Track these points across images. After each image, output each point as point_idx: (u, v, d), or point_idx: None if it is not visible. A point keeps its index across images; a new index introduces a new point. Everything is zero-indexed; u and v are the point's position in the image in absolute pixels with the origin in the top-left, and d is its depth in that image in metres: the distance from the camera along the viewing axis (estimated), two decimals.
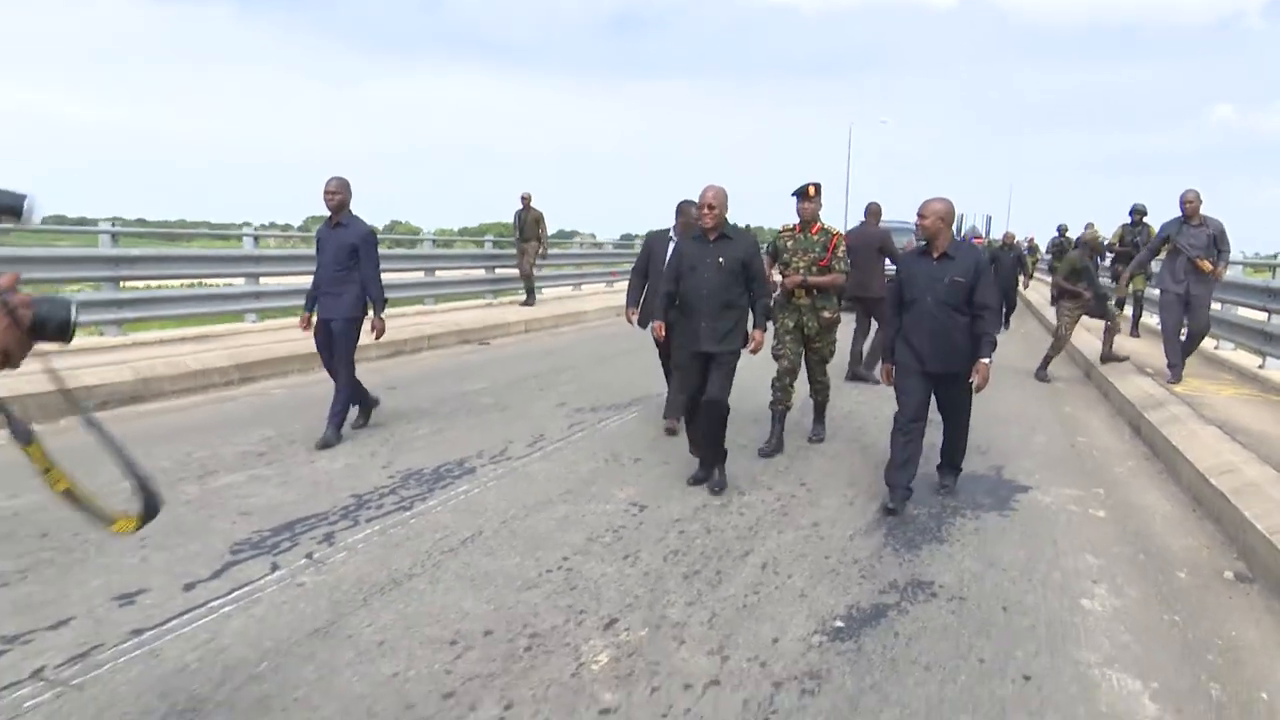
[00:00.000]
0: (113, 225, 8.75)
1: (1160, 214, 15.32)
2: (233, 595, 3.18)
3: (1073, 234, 19.55)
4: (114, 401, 6.26)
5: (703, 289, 4.58)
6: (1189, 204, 7.59)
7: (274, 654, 2.74)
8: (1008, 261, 12.40)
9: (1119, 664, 2.95)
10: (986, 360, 4.38)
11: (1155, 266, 10.80)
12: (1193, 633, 3.24)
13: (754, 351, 4.72)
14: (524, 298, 13.92)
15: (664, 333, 4.85)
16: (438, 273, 13.91)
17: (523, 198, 13.37)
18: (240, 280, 10.44)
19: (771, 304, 5.19)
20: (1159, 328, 8.37)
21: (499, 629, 2.99)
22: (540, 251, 13.50)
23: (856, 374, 8.33)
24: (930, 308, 4.39)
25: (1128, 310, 12.01)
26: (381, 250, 12.86)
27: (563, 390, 7.59)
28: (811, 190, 5.56)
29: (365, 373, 6.11)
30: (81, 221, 11.47)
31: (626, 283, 6.27)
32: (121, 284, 8.74)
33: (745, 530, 4.14)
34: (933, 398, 4.61)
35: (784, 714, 2.53)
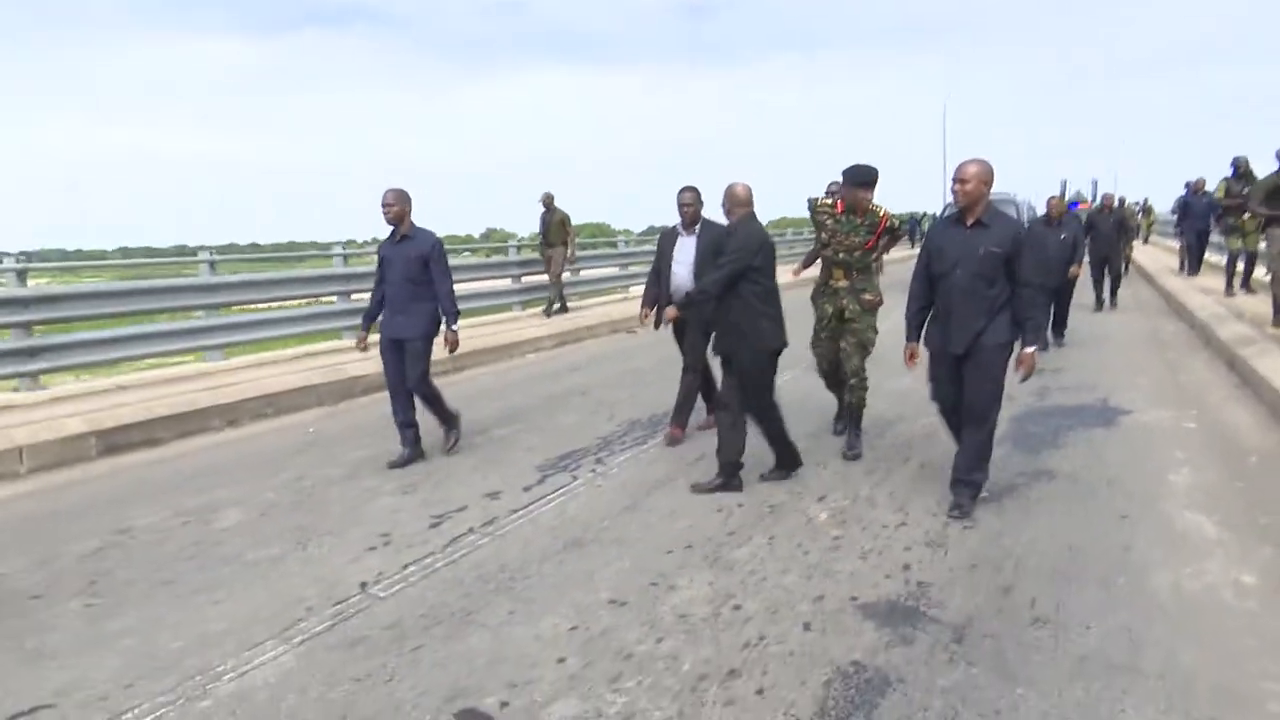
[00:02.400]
0: (211, 254, 9.08)
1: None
2: (558, 491, 4.70)
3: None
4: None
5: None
6: None
7: (607, 518, 4.24)
8: (1107, 227, 11.59)
9: (1192, 509, 4.16)
10: (1031, 350, 3.94)
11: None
12: (1254, 493, 4.39)
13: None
14: (543, 307, 12.70)
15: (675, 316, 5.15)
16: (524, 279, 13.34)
17: (544, 199, 12.47)
18: (334, 299, 10.48)
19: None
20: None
21: (749, 502, 4.41)
22: (569, 256, 12.64)
23: None
24: (961, 280, 3.96)
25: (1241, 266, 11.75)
26: (477, 260, 12.37)
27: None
28: (867, 181, 5.05)
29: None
30: (190, 251, 11.94)
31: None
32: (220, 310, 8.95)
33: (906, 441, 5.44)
34: None
35: (949, 543, 3.86)
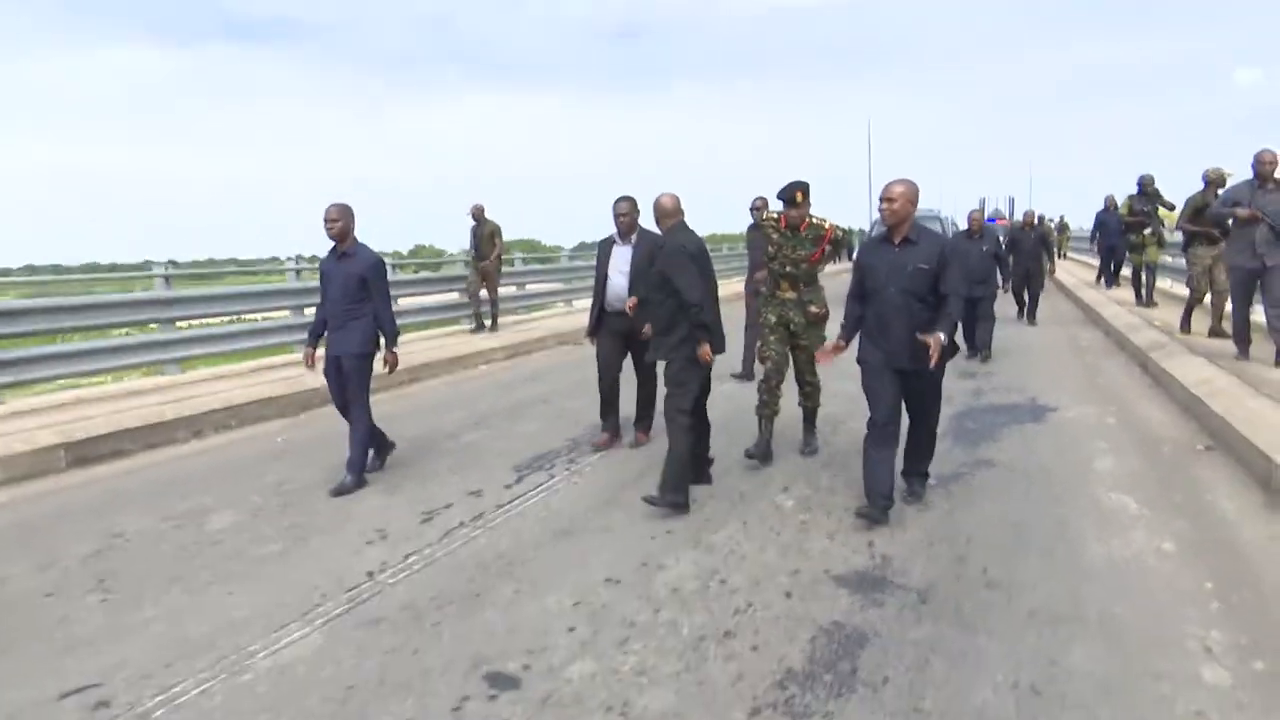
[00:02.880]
0: (165, 269, 9.06)
1: (1171, 184, 16.12)
2: (538, 488, 4.96)
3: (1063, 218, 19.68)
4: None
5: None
6: (1266, 165, 6.79)
7: (590, 510, 4.52)
8: (1029, 243, 11.71)
9: (1116, 490, 4.63)
10: (941, 334, 3.94)
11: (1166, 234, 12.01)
12: (1169, 477, 4.90)
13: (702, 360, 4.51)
14: (473, 325, 12.49)
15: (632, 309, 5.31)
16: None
17: (474, 211, 12.08)
18: (286, 313, 10.62)
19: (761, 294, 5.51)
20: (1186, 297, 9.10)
21: (719, 494, 4.74)
22: (496, 268, 12.25)
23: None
24: (894, 298, 4.06)
25: (1144, 278, 12.50)
26: (408, 276, 12.60)
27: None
28: (799, 196, 5.18)
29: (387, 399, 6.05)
30: (136, 266, 11.96)
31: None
32: (176, 324, 8.98)
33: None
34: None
35: (907, 523, 4.25)
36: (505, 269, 13.72)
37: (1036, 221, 12.79)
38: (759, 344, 5.56)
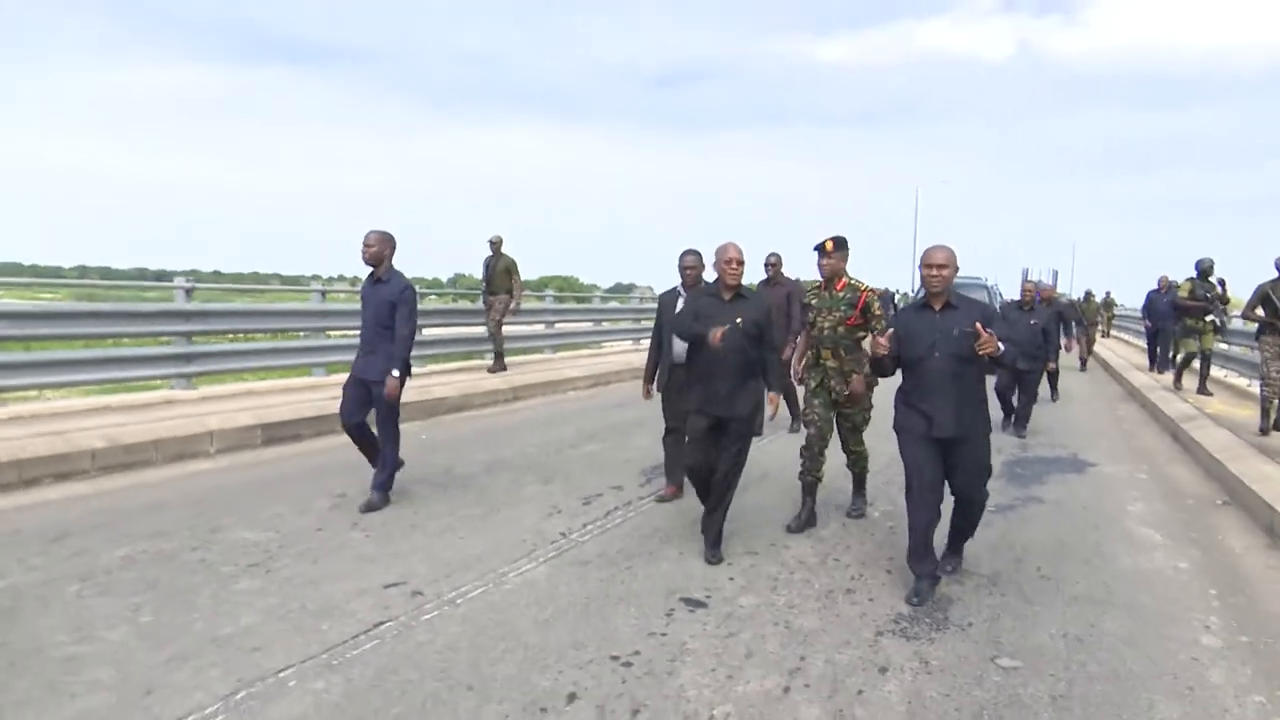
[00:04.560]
0: (187, 280, 9.08)
1: (1227, 265, 16.39)
2: (608, 513, 6.04)
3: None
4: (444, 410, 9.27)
5: (720, 350, 4.35)
6: None
7: (660, 535, 5.65)
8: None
9: (1144, 526, 5.67)
10: (1001, 346, 3.86)
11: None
12: (1190, 520, 5.91)
13: (772, 416, 4.67)
14: (492, 362, 11.99)
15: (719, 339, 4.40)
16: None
17: (492, 242, 11.64)
18: (301, 334, 10.73)
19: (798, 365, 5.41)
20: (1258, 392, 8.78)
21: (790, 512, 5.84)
22: (513, 306, 11.70)
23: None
24: (939, 364, 4.01)
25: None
26: (445, 304, 12.46)
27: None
28: (830, 245, 5.09)
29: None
30: (159, 275, 12.48)
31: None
32: (192, 339, 8.96)
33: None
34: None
35: (980, 546, 5.31)
36: (529, 305, 13.62)
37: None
38: (803, 408, 5.43)
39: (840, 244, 5.13)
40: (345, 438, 5.60)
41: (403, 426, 5.58)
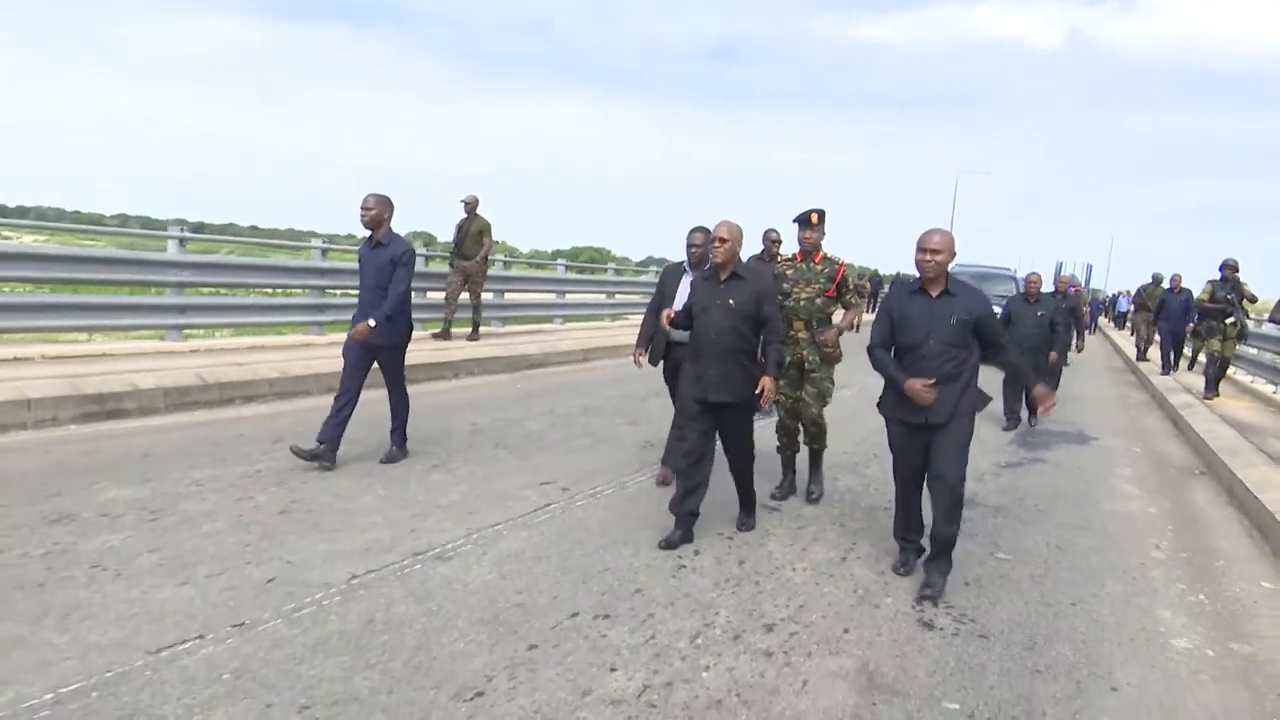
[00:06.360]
0: (181, 230, 8.87)
1: (1254, 269, 15.84)
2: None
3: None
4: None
5: (710, 331, 4.36)
6: None
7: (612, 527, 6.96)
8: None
9: (1130, 483, 6.92)
10: (1044, 388, 4.18)
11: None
12: (1167, 482, 7.15)
13: (764, 402, 4.44)
14: (440, 329, 11.19)
15: (668, 322, 4.59)
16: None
17: (465, 203, 11.00)
18: (304, 292, 10.53)
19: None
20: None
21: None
22: (481, 271, 11.15)
23: None
24: (932, 350, 3.93)
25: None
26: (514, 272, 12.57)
27: None
28: (814, 218, 5.17)
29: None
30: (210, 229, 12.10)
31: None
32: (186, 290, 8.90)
33: None
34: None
35: (985, 482, 6.59)
36: (494, 273, 12.76)
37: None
38: None
39: (822, 217, 5.24)
40: (450, 382, 6.70)
41: (495, 378, 6.87)
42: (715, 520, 4.88)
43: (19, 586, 3.31)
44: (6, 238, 12.73)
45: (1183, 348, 15.03)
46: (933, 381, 3.90)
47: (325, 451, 5.25)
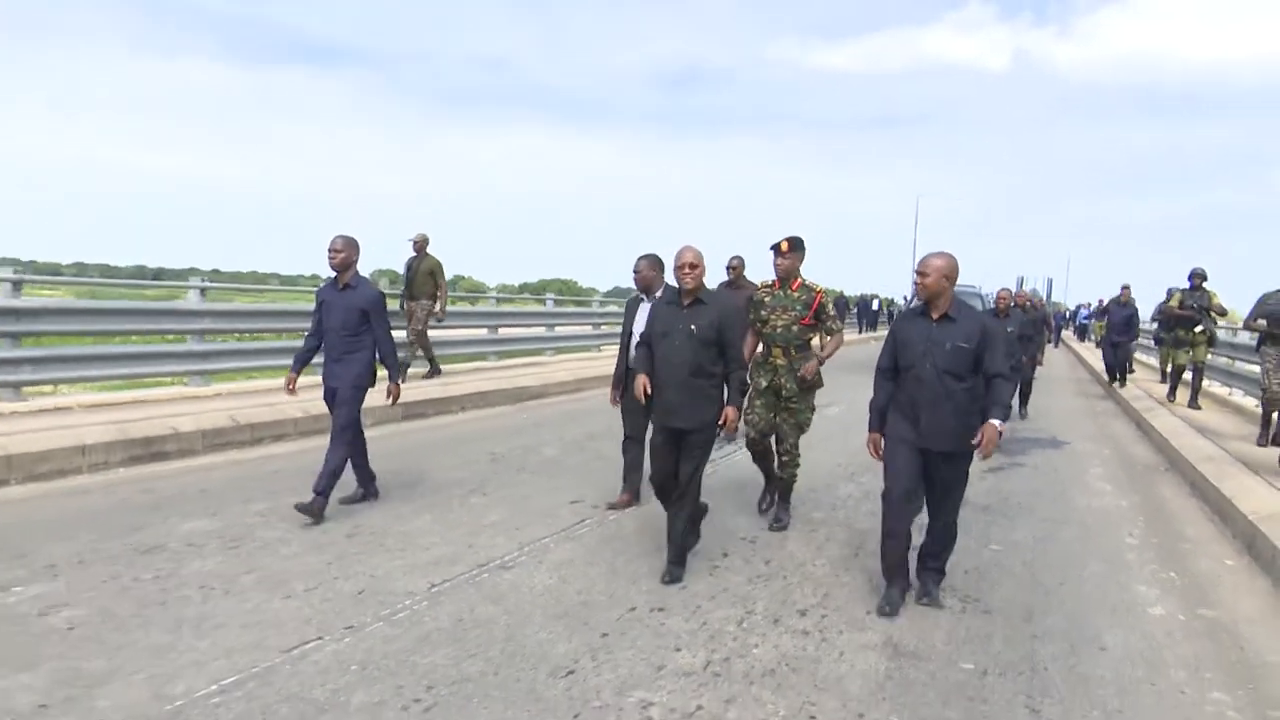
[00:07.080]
0: (203, 280, 9.36)
1: (1220, 278, 16.74)
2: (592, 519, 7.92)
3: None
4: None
5: (673, 356, 4.34)
6: None
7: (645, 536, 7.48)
8: (1020, 325, 9.83)
9: (1102, 481, 7.53)
10: (997, 422, 3.85)
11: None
12: (1136, 478, 7.78)
13: (727, 430, 4.44)
14: (426, 369, 10.93)
15: (646, 391, 4.40)
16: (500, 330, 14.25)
17: (415, 241, 10.75)
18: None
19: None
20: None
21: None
22: (437, 310, 10.73)
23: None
24: (929, 375, 3.95)
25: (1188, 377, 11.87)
26: (450, 307, 11.80)
27: None
28: (785, 246, 5.17)
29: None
30: (157, 274, 12.35)
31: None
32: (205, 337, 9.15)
33: None
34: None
35: (972, 481, 7.16)
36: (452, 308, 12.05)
37: (1012, 304, 9.81)
38: (745, 408, 5.13)
39: (796, 244, 5.22)
40: (458, 415, 7.20)
41: (499, 409, 7.29)
42: (737, 526, 5.38)
43: (144, 606, 3.73)
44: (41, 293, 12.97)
45: (1127, 361, 15.03)
46: (874, 442, 4.18)
47: (368, 488, 5.65)
